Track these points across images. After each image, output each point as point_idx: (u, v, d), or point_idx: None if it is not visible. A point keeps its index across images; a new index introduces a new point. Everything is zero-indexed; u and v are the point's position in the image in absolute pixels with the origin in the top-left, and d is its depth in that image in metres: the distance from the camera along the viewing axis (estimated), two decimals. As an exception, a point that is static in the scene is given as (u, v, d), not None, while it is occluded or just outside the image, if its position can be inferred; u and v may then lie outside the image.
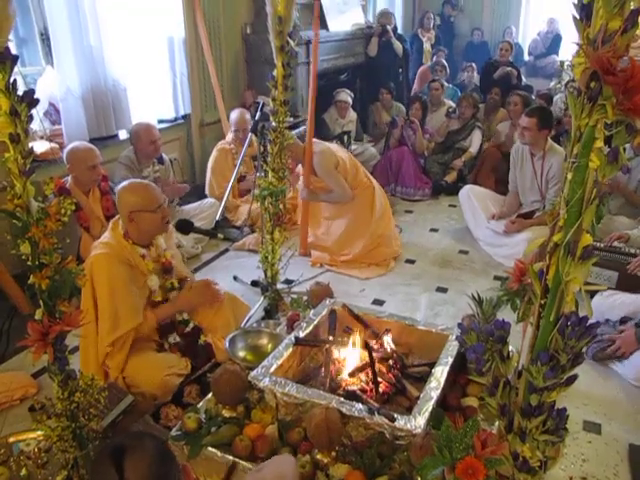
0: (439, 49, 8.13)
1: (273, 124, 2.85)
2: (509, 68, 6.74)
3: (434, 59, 7.86)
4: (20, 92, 1.57)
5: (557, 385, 1.06)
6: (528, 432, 1.11)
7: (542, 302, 1.05)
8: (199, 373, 2.68)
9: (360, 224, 4.02)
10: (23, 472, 2.14)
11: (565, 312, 1.01)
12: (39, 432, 2.31)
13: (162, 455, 1.23)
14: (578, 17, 0.84)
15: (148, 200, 2.48)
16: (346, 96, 6.07)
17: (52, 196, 1.87)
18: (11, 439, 2.28)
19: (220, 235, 2.78)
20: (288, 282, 3.68)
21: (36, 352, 1.82)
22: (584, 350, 1.07)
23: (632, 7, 0.77)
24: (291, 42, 2.75)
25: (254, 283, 3.53)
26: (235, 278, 3.72)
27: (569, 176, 0.92)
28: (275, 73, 2.79)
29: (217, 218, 2.70)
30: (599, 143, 0.86)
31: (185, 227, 2.68)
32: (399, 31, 7.75)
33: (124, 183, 2.55)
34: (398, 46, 7.01)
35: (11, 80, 1.55)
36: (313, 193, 3.98)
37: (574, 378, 1.08)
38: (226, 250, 4.22)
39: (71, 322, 1.88)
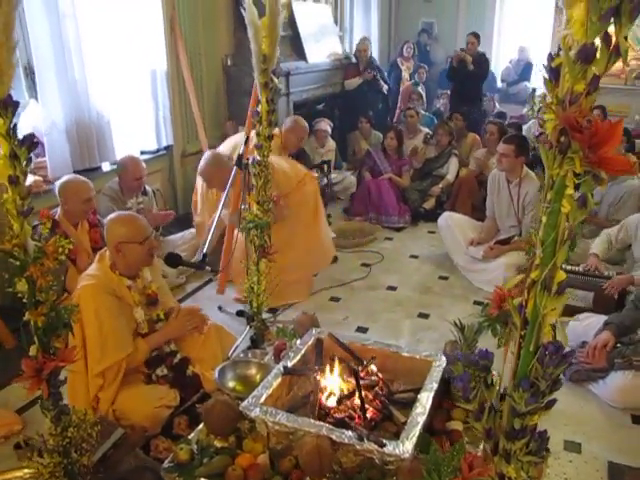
0: (419, 65, 8.34)
1: (258, 158, 2.93)
2: (463, 53, 7.09)
3: (415, 77, 8.10)
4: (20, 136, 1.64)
5: (538, 409, 1.14)
6: (512, 454, 1.19)
7: (522, 333, 1.13)
8: (188, 404, 2.71)
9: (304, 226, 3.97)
10: (9, 512, 2.14)
11: (543, 342, 1.09)
12: (26, 470, 2.32)
13: None
14: (548, 79, 0.94)
15: (136, 232, 2.54)
16: (325, 125, 6.20)
17: (39, 228, 1.90)
18: (-3, 478, 2.28)
19: (208, 267, 2.84)
20: (272, 311, 3.74)
21: (30, 388, 1.86)
22: (561, 376, 1.16)
23: (593, 73, 0.87)
24: (275, 79, 2.84)
25: (239, 313, 3.57)
26: (220, 308, 3.76)
27: (544, 220, 1.01)
28: (259, 109, 2.88)
29: (204, 251, 2.76)
30: (570, 190, 0.95)
31: (173, 261, 2.73)
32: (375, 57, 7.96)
33: (113, 215, 2.61)
34: (383, 87, 7.26)
35: (11, 125, 1.62)
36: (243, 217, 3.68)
37: (553, 402, 1.16)
38: (210, 280, 4.26)
39: (65, 358, 1.92)
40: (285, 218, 3.61)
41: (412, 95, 7.44)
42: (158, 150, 5.04)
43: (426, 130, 6.46)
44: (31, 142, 1.65)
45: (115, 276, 2.55)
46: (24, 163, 1.66)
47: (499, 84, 10.06)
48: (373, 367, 2.48)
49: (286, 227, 3.72)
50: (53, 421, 1.94)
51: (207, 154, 4.01)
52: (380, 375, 2.48)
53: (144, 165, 4.04)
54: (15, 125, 1.63)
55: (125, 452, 2.37)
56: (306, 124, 4.70)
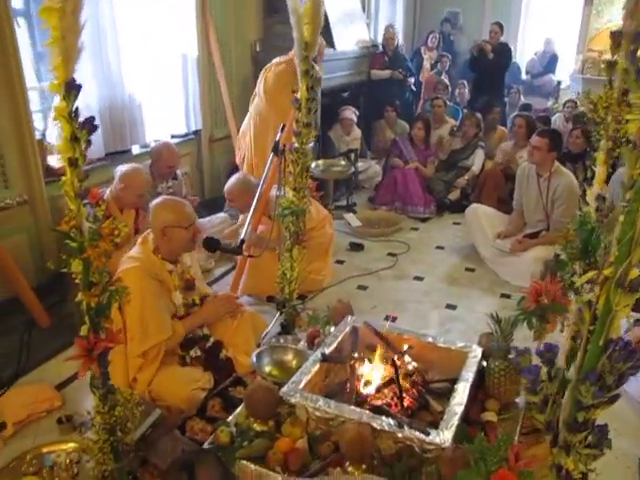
0: (442, 55, 8.29)
1: (296, 145, 2.95)
2: (483, 42, 7.15)
3: (438, 66, 8.06)
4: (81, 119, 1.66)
5: (602, 403, 1.15)
6: (572, 446, 1.20)
7: (590, 328, 1.14)
8: (221, 387, 2.75)
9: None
10: (56, 483, 2.20)
11: (612, 337, 1.11)
12: (70, 444, 2.39)
13: (223, 466, 1.35)
14: (635, 78, 0.94)
15: (182, 217, 2.58)
16: (351, 113, 6.20)
17: (89, 207, 1.92)
18: (44, 450, 2.35)
19: (245, 253, 2.86)
20: (301, 297, 3.74)
21: (83, 367, 1.89)
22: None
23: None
24: (316, 67, 2.85)
25: (270, 299, 3.59)
26: (250, 294, 3.79)
27: (621, 218, 1.02)
28: (299, 96, 2.89)
29: (242, 236, 2.78)
30: (650, 189, 0.96)
31: (212, 245, 2.76)
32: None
33: (159, 199, 2.65)
34: (411, 84, 7.36)
35: (73, 108, 1.64)
36: (262, 238, 3.54)
37: (617, 397, 1.18)
38: (238, 265, 4.29)
39: (114, 339, 1.95)
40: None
41: (438, 85, 7.39)
42: (187, 134, 5.08)
43: (452, 121, 6.43)
44: (91, 125, 1.67)
45: (157, 260, 2.59)
46: (83, 146, 1.69)
47: (523, 76, 9.96)
48: (408, 356, 2.50)
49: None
50: (101, 399, 1.99)
51: (238, 175, 4.01)
52: (416, 364, 2.51)
53: (177, 155, 4.07)
54: (77, 108, 1.66)
55: (163, 432, 2.41)
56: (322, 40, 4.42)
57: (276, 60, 4.61)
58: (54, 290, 3.57)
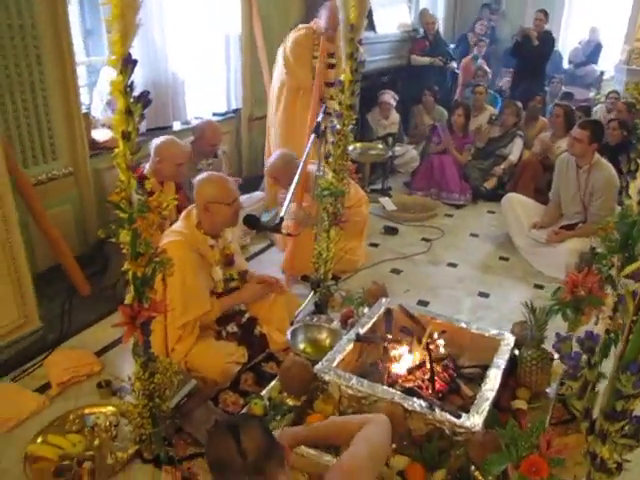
0: (480, 39, 8.16)
1: (337, 127, 2.97)
2: (528, 28, 7.01)
3: (474, 50, 7.96)
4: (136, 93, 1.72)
5: (642, 393, 1.16)
6: (609, 435, 1.22)
7: (634, 318, 1.15)
8: (254, 362, 2.82)
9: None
10: (96, 442, 2.30)
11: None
12: (109, 407, 2.49)
13: (267, 431, 1.41)
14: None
15: (225, 193, 2.63)
16: (390, 97, 6.16)
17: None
18: (86, 411, 2.45)
19: (284, 231, 2.90)
20: (335, 278, 3.77)
21: (127, 334, 1.96)
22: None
23: None
24: (361, 49, 2.85)
25: (304, 278, 3.63)
26: (283, 271, 3.83)
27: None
28: (343, 78, 2.90)
29: (281, 214, 2.81)
30: None
31: (252, 222, 2.80)
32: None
33: (204, 175, 2.70)
34: (455, 69, 7.38)
35: (129, 82, 1.69)
36: (308, 215, 3.60)
37: (658, 388, 1.18)
38: (273, 244, 4.34)
39: (157, 308, 2.02)
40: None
41: (478, 72, 7.29)
42: (227, 113, 5.11)
43: (491, 109, 6.33)
44: (146, 99, 1.72)
45: (200, 234, 2.65)
46: (137, 119, 1.74)
47: (565, 65, 9.74)
48: (442, 341, 2.52)
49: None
50: (142, 367, 2.06)
51: (276, 153, 4.00)
52: (448, 349, 2.53)
53: (221, 134, 4.11)
54: (132, 82, 1.70)
55: (198, 403, 2.49)
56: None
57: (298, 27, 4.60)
58: (94, 260, 3.67)
